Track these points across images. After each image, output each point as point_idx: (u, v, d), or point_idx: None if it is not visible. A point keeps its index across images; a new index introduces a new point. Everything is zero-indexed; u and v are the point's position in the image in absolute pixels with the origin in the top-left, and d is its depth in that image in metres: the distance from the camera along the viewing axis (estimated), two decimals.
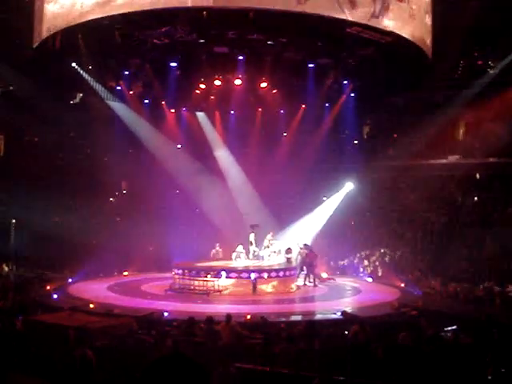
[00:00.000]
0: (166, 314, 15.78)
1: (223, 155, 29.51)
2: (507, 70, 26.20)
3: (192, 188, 28.31)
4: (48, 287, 21.58)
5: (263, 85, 22.75)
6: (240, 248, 23.76)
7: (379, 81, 21.85)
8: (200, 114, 28.44)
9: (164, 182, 28.30)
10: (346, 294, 22.22)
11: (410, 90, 25.21)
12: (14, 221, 26.24)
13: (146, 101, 25.62)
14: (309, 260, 23.01)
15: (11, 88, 28.01)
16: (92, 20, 16.68)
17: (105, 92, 23.75)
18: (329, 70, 20.99)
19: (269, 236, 24.44)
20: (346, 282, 24.57)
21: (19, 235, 26.10)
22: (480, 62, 28.75)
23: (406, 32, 18.23)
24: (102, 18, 16.69)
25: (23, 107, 26.16)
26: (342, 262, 27.51)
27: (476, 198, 28.51)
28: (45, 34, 18.29)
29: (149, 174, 28.10)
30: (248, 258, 23.72)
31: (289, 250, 23.30)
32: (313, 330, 12.07)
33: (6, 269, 24.21)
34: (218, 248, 25.60)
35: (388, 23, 17.32)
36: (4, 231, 25.80)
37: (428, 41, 19.67)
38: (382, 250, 26.94)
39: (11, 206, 25.63)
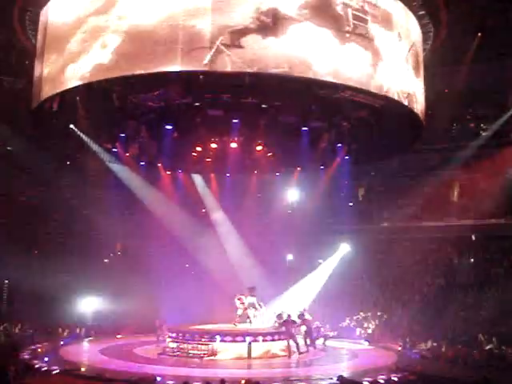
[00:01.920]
0: (158, 378, 15.44)
1: (219, 217, 29.52)
2: (499, 133, 26.61)
3: (188, 249, 28.22)
4: (39, 349, 21.25)
5: (258, 148, 22.94)
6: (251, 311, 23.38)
7: (373, 143, 22.05)
8: (196, 176, 28.58)
9: (160, 243, 28.23)
10: (343, 358, 21.86)
11: (404, 153, 25.44)
12: (6, 281, 26.10)
13: (142, 162, 25.72)
14: (306, 326, 22.76)
15: (8, 148, 28.24)
16: (88, 83, 16.97)
17: (101, 153, 23.91)
18: (323, 134, 21.20)
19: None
20: (342, 346, 24.23)
21: (12, 296, 25.91)
22: (472, 125, 29.21)
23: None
24: (99, 82, 16.99)
25: (20, 168, 26.33)
26: (337, 326, 27.20)
27: (472, 260, 28.45)
28: (43, 96, 18.55)
29: (144, 236, 28.05)
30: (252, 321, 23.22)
31: (279, 316, 22.89)
32: None
33: None
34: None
35: None
36: None
37: (422, 104, 19.97)
38: (379, 313, 26.69)
39: (5, 266, 25.49)
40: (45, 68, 18.52)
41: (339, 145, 22.46)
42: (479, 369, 18.68)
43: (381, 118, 19.93)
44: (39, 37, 19.62)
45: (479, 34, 23.44)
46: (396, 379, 16.45)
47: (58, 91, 17.95)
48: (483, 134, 28.16)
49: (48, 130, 21.52)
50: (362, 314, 27.23)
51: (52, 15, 18.61)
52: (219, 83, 17.15)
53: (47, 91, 18.40)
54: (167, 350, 21.09)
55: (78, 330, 25.51)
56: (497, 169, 26.31)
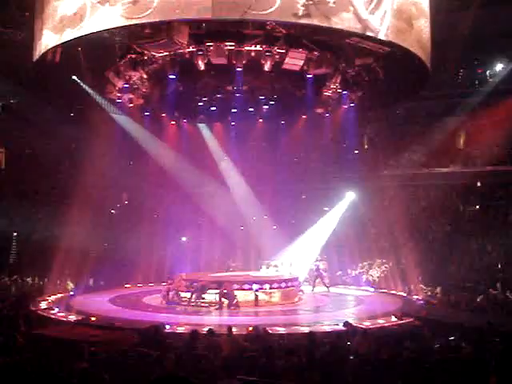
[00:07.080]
0: (167, 326, 15.67)
1: (226, 166, 29.48)
2: (507, 79, 26.26)
3: (195, 199, 28.30)
4: (49, 300, 21.55)
5: (262, 96, 22.71)
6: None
7: (379, 91, 21.78)
8: (201, 125, 28.41)
9: (166, 193, 28.30)
10: (349, 304, 22.17)
11: (410, 100, 25.17)
12: (15, 234, 26.28)
13: (147, 113, 25.52)
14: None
15: (12, 101, 28.08)
16: (92, 33, 16.66)
17: (105, 104, 23.72)
18: (328, 81, 20.89)
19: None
20: (348, 293, 24.51)
21: (21, 247, 26.14)
22: (480, 70, 28.80)
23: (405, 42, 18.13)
24: (102, 31, 16.70)
25: (24, 120, 26.23)
26: (343, 272, 27.48)
27: (477, 207, 28.48)
28: (44, 47, 18.27)
29: (150, 186, 28.09)
30: None
31: (276, 266, 23.11)
32: (314, 341, 12.00)
33: (8, 281, 24.19)
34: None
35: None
36: (5, 243, 25.85)
37: (428, 50, 19.61)
38: (384, 260, 26.88)
39: (13, 218, 25.65)
40: (45, 19, 18.19)
41: (344, 92, 22.17)
42: (483, 314, 18.94)
43: (386, 65, 19.64)
44: None
45: None
46: (401, 325, 16.72)
47: (59, 42, 17.65)
48: (491, 80, 27.81)
49: (51, 82, 21.28)
50: (367, 261, 27.45)
51: None
52: (222, 31, 16.93)
53: (49, 42, 18.10)
54: (176, 298, 21.35)
55: (86, 281, 25.80)
56: (504, 116, 26.08)
